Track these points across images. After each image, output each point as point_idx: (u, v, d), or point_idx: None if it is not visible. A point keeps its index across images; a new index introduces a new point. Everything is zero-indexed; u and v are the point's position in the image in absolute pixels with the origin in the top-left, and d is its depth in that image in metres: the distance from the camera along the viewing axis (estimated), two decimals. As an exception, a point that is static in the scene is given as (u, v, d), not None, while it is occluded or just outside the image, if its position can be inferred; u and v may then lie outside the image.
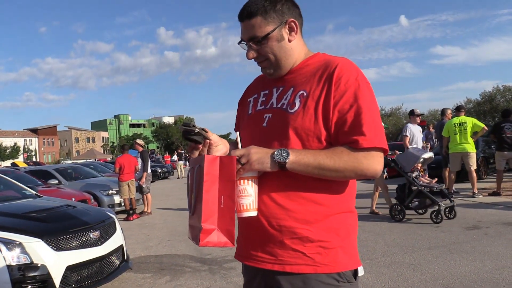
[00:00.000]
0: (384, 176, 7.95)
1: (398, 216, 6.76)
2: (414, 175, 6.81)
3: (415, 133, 7.96)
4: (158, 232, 7.47)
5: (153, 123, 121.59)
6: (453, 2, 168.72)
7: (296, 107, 1.35)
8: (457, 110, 9.15)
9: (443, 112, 9.85)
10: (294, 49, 1.43)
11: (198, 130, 1.33)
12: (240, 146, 1.35)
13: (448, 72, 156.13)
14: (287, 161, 1.27)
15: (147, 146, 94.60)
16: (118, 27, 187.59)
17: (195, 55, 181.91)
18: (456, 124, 8.68)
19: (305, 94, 1.36)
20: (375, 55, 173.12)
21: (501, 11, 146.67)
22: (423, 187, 6.65)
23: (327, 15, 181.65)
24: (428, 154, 6.85)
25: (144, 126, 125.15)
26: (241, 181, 1.28)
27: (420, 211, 6.99)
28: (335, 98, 1.31)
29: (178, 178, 23.75)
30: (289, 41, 1.42)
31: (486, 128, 8.67)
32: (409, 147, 7.60)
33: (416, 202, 6.77)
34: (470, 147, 8.59)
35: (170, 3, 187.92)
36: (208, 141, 1.37)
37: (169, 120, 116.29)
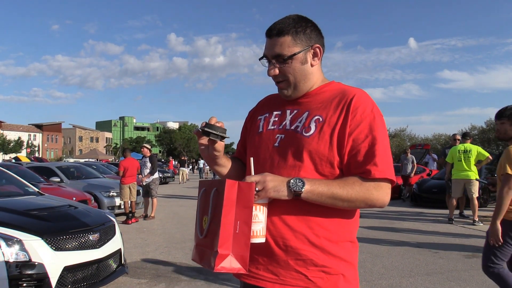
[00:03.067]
0: None
1: None
2: None
3: None
4: (156, 237, 7.47)
5: (157, 127, 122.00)
6: (463, 28, 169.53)
7: (312, 131, 1.37)
8: (463, 137, 9.15)
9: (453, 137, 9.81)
10: (314, 74, 1.46)
11: (221, 135, 1.36)
12: (253, 172, 1.35)
13: (454, 96, 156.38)
14: (302, 190, 1.28)
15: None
16: (129, 30, 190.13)
17: (203, 63, 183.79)
18: (460, 151, 8.67)
19: (321, 120, 1.38)
20: (382, 75, 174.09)
21: (510, 40, 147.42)
22: None
23: (337, 33, 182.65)
24: None
25: (148, 129, 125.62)
26: (253, 207, 1.27)
27: None
28: (350, 127, 1.34)
29: (180, 183, 23.85)
30: (311, 65, 1.45)
31: (490, 157, 8.65)
32: None
33: None
34: (473, 174, 8.57)
35: (182, 10, 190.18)
36: (222, 142, 1.39)
37: (173, 125, 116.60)
